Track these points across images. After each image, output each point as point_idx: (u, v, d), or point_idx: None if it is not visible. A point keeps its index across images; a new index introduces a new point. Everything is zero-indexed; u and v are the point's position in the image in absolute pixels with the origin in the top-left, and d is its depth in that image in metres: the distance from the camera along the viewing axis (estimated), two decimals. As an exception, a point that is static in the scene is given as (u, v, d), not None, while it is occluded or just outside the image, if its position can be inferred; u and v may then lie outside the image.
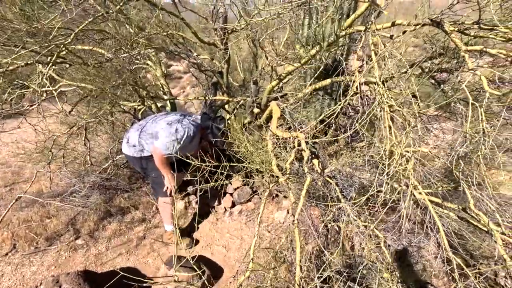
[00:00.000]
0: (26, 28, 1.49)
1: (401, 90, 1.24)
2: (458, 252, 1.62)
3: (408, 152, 0.94)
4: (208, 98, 2.82)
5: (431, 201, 1.36)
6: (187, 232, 2.70)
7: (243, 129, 2.35)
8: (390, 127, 0.93)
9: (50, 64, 1.60)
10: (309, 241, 2.24)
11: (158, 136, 2.14)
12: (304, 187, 1.39)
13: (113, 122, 3.25)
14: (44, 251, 2.43)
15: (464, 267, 1.03)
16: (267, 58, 2.41)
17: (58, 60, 2.17)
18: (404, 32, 1.37)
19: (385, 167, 0.96)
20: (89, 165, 3.09)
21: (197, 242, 2.62)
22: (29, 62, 1.82)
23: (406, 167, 0.97)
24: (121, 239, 2.62)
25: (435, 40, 1.85)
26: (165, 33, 2.19)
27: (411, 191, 1.13)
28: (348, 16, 2.15)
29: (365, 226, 1.37)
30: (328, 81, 2.18)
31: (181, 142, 2.13)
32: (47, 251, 2.42)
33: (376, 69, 0.98)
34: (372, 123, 1.92)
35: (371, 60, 1.04)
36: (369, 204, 1.63)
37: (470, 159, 1.17)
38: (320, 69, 2.15)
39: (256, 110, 2.76)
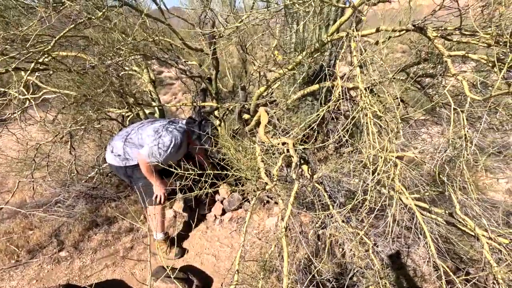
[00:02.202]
0: (3, 35, 1.44)
1: (387, 95, 1.24)
2: (447, 257, 1.61)
3: (392, 157, 0.93)
4: (197, 104, 2.79)
5: (418, 206, 1.35)
6: (176, 241, 2.64)
7: (232, 136, 2.32)
8: (373, 133, 0.92)
9: (29, 71, 1.55)
10: (300, 248, 2.22)
11: (143, 144, 2.09)
12: (291, 194, 1.36)
13: (100, 130, 3.19)
14: (26, 264, 2.33)
15: (451, 273, 1.02)
16: (254, 64, 2.40)
17: (40, 67, 2.12)
18: (389, 38, 1.37)
19: (369, 173, 0.95)
20: (74, 174, 3.01)
21: (186, 251, 2.56)
22: (9, 69, 1.76)
23: (391, 173, 0.96)
24: (107, 250, 2.55)
25: (420, 45, 1.87)
26: (151, 39, 2.16)
27: (398, 196, 1.13)
28: (335, 22, 2.16)
29: (353, 233, 1.35)
30: (316, 86, 2.17)
31: (168, 151, 2.07)
32: (29, 264, 2.33)
33: (358, 75, 0.98)
34: (358, 128, 1.92)
35: (353, 66, 1.04)
36: (357, 210, 1.62)
37: (455, 164, 1.17)
38: (308, 75, 2.15)
39: (246, 116, 2.75)
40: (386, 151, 0.90)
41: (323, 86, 2.14)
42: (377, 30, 1.50)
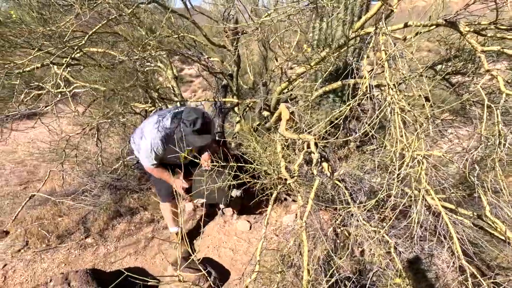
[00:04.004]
0: (43, 31, 1.54)
1: (413, 92, 1.21)
2: (473, 262, 1.55)
3: (419, 155, 0.91)
4: (218, 100, 2.83)
5: (444, 207, 1.31)
6: (194, 234, 2.70)
7: (253, 132, 2.33)
8: (400, 129, 0.90)
9: (65, 65, 1.65)
10: (318, 245, 2.20)
11: (139, 148, 2.01)
12: (312, 190, 1.36)
13: (124, 124, 3.32)
14: (55, 248, 2.47)
15: (478, 276, 0.98)
16: (277, 60, 2.40)
17: (72, 62, 2.24)
18: (417, 34, 1.34)
19: (395, 169, 0.93)
20: (100, 165, 3.15)
21: (194, 249, 2.59)
22: (44, 64, 1.87)
23: (417, 169, 0.94)
24: (130, 239, 2.65)
25: (449, 42, 1.80)
26: (176, 36, 2.22)
27: (423, 196, 1.10)
28: (359, 18, 2.12)
29: (375, 232, 1.33)
30: (338, 83, 2.15)
31: (155, 151, 1.92)
32: (58, 249, 2.47)
33: (386, 69, 0.96)
34: (383, 126, 1.88)
35: (381, 61, 1.02)
36: (379, 209, 1.59)
37: (486, 164, 1.12)
38: (330, 72, 2.13)
39: (265, 113, 2.76)
40: (414, 146, 0.88)
41: (346, 83, 2.11)
42: (405, 26, 1.47)
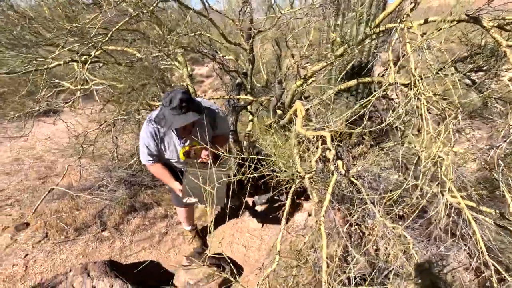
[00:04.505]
0: (69, 28, 1.59)
1: (435, 87, 1.20)
2: (496, 259, 1.52)
3: (447, 145, 0.90)
4: (232, 97, 2.86)
5: (465, 205, 1.30)
6: (207, 231, 2.73)
7: (268, 128, 2.35)
8: (427, 120, 0.89)
9: (89, 62, 1.70)
10: (330, 244, 2.20)
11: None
12: (330, 185, 1.37)
13: (139, 121, 3.38)
14: (73, 240, 2.54)
15: (503, 272, 0.97)
16: (293, 57, 2.41)
17: (93, 60, 2.30)
18: (439, 30, 1.33)
19: (418, 164, 0.93)
20: (116, 161, 3.22)
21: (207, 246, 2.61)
22: (67, 60, 1.93)
23: (443, 165, 0.93)
24: (144, 234, 2.70)
25: (471, 39, 1.77)
26: (193, 34, 2.25)
27: (443, 193, 1.09)
28: (376, 16, 2.12)
29: (393, 228, 1.32)
30: (354, 81, 2.15)
31: (147, 146, 1.79)
32: (76, 241, 2.54)
33: (412, 62, 0.96)
34: (394, 129, 1.87)
35: (404, 55, 1.02)
36: (396, 207, 1.58)
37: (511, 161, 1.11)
38: (346, 69, 2.13)
39: (279, 112, 2.77)
40: (442, 137, 0.87)
41: (362, 82, 2.11)
42: (426, 21, 1.46)
